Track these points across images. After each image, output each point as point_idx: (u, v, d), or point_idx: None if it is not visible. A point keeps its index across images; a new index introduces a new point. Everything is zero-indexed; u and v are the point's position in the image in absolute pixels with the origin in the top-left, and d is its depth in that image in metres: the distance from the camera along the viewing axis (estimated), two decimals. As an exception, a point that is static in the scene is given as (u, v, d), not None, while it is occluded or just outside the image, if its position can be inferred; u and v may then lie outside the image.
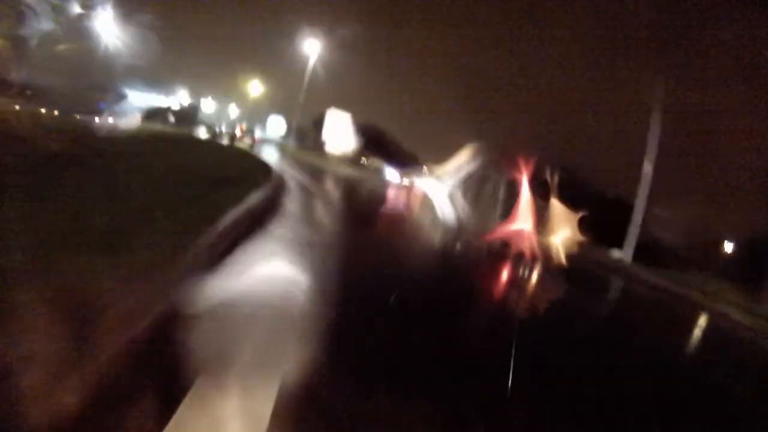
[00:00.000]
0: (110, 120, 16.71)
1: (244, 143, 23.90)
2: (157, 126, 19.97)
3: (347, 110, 33.78)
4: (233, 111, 37.90)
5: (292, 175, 13.05)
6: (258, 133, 35.72)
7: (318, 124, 34.10)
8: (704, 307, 13.42)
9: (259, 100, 35.85)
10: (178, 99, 32.72)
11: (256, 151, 19.16)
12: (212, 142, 18.13)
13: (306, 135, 35.75)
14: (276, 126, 36.67)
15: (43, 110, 15.77)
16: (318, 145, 32.85)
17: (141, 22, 19.95)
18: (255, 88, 35.06)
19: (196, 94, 35.50)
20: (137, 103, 26.91)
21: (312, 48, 29.23)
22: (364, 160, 38.27)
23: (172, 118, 26.65)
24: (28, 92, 15.93)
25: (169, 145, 11.73)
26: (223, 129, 26.62)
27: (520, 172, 12.92)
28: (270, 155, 19.92)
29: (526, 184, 12.79)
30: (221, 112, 37.15)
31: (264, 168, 10.72)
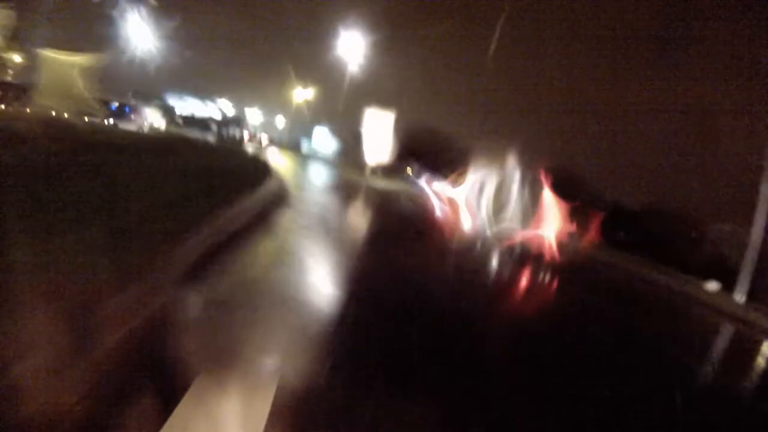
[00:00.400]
0: (112, 122, 16.37)
1: (254, 146, 23.11)
2: (173, 131, 19.49)
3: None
4: (280, 122, 37.56)
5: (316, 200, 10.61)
6: (304, 147, 34.95)
7: (357, 134, 32.26)
8: None
9: (304, 111, 35.10)
10: (223, 108, 33.04)
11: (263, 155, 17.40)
12: (217, 146, 16.93)
13: (347, 148, 34.05)
14: (322, 138, 35.60)
15: (53, 113, 15.73)
16: (359, 159, 30.95)
17: (173, 30, 19.85)
18: (301, 95, 34.28)
19: (244, 104, 35.88)
20: (182, 110, 27.57)
21: (350, 53, 27.63)
22: (409, 170, 35.51)
23: (214, 127, 26.50)
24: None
25: (148, 149, 10.09)
26: (232, 133, 25.91)
27: (543, 179, 13.14)
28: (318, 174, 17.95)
29: (549, 191, 12.94)
30: (268, 123, 36.88)
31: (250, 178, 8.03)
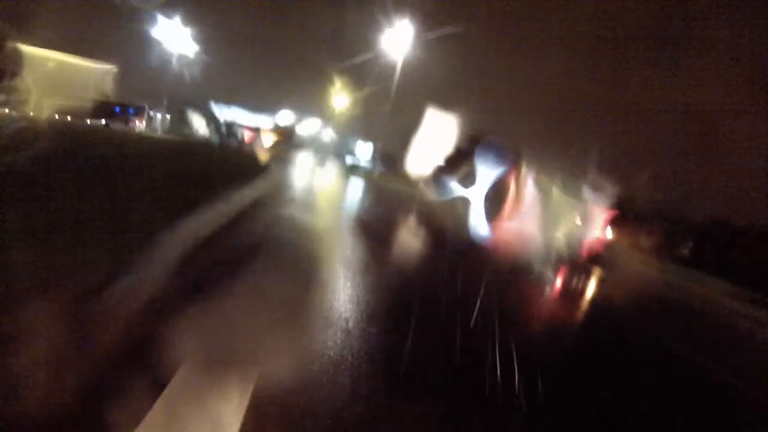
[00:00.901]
0: (108, 125, 15.93)
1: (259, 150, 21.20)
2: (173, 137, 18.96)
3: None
4: (330, 134, 35.56)
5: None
6: (348, 160, 32.98)
7: (406, 141, 30.00)
8: None
9: (350, 120, 33.50)
10: (276, 119, 31.88)
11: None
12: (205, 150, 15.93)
13: (394, 159, 32.13)
14: (364, 151, 33.89)
15: (56, 116, 15.50)
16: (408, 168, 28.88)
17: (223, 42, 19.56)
18: (345, 104, 32.57)
19: (302, 115, 33.51)
20: (227, 119, 27.09)
21: (397, 54, 25.65)
22: (464, 182, 32.26)
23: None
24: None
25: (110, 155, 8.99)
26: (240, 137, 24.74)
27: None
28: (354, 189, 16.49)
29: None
30: (319, 134, 35.37)
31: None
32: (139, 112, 17.98)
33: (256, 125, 29.09)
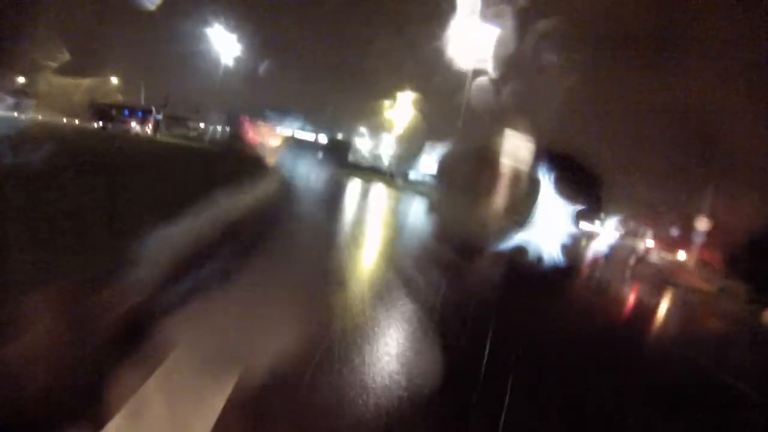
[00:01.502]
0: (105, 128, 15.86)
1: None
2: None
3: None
4: (389, 148, 32.72)
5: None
6: (412, 176, 30.19)
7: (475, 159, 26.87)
8: None
9: (414, 134, 30.14)
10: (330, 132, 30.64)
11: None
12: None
13: (461, 175, 29.67)
14: (429, 168, 30.18)
15: (64, 120, 15.54)
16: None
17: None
18: (405, 114, 30.03)
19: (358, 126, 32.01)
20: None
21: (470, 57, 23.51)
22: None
23: None
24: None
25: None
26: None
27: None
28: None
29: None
30: (375, 150, 32.49)
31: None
32: (146, 115, 17.97)
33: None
